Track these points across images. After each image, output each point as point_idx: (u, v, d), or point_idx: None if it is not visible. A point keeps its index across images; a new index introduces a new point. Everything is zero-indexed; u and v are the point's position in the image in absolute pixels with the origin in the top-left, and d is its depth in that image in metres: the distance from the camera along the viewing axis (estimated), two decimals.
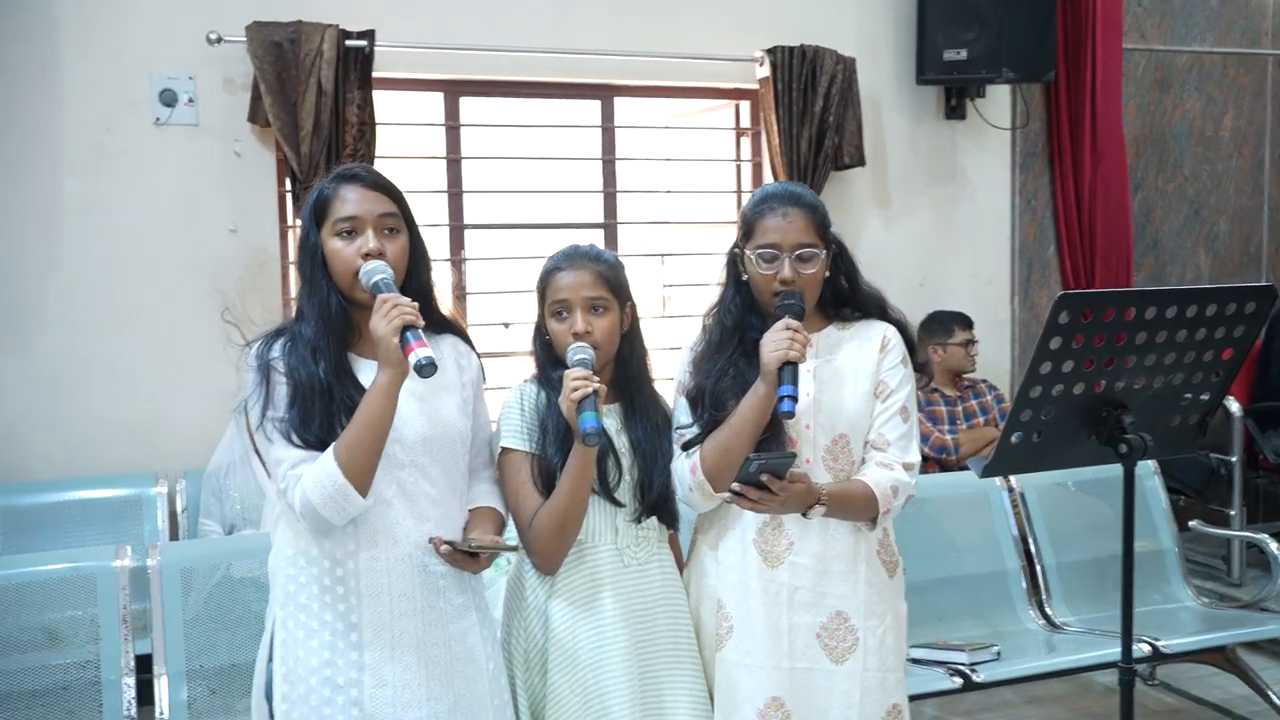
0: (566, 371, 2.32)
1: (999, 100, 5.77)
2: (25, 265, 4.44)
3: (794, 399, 2.27)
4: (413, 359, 2.12)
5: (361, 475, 2.17)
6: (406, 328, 2.14)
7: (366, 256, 2.24)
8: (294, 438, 2.20)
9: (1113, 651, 3.47)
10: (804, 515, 2.36)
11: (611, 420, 2.46)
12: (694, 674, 2.46)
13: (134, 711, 3.28)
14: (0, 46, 4.38)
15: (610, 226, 5.31)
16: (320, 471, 2.16)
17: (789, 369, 2.29)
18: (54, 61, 4.44)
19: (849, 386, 2.45)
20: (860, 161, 5.33)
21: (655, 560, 2.48)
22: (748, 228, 2.47)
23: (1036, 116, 5.86)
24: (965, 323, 5.15)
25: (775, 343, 2.30)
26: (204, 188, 4.63)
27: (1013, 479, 4.25)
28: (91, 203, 4.50)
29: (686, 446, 2.44)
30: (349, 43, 4.56)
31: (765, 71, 5.18)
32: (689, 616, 2.50)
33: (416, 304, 2.19)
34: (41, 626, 3.31)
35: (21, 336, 4.43)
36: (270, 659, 2.32)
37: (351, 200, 2.28)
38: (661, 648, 2.44)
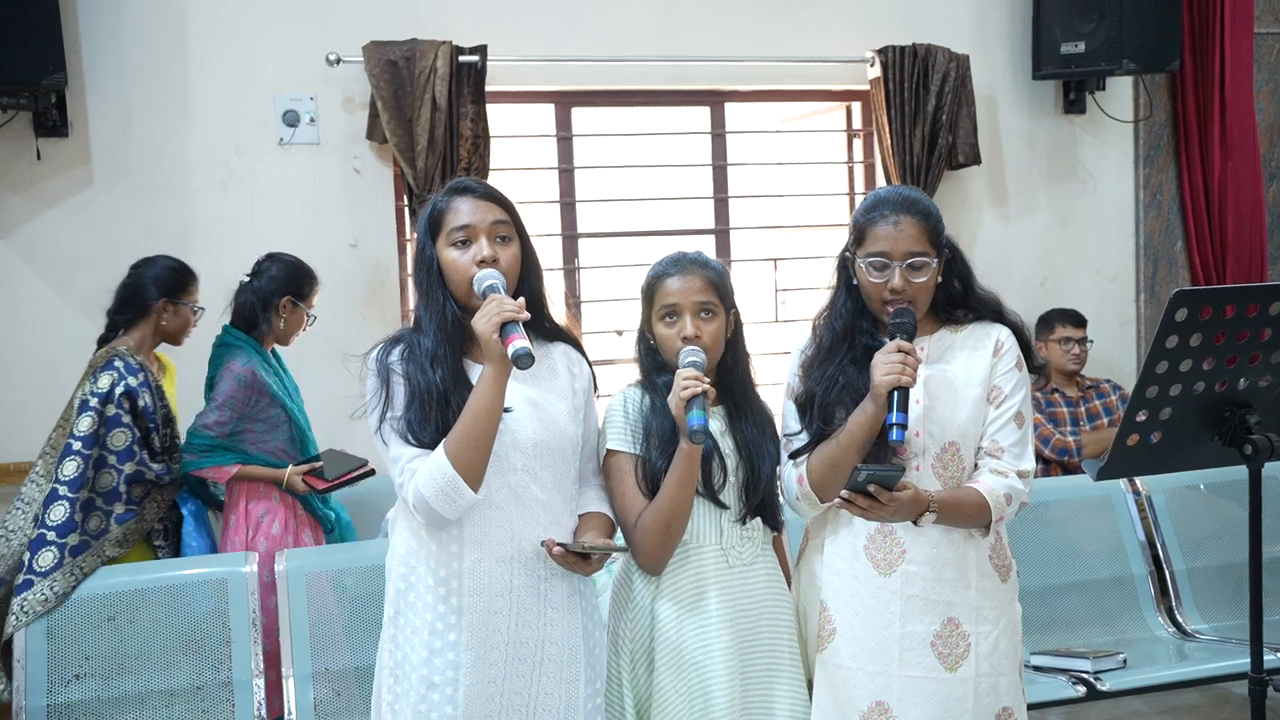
0: (678, 371, 2.35)
1: (1120, 93, 5.61)
2: None
3: (904, 427, 2.26)
4: (510, 350, 2.16)
5: (470, 468, 2.21)
6: (505, 323, 2.18)
7: (481, 264, 2.29)
8: (410, 437, 2.27)
9: (1249, 661, 3.34)
10: (914, 523, 2.33)
11: (716, 422, 2.47)
12: (794, 675, 2.47)
13: (264, 711, 3.39)
14: (137, 80, 4.59)
15: (722, 232, 5.31)
16: (432, 465, 2.22)
17: (900, 394, 2.27)
18: (185, 90, 4.63)
19: (961, 394, 2.41)
20: (975, 160, 5.24)
21: (761, 561, 2.49)
22: (859, 233, 2.44)
23: (1161, 108, 5.68)
24: (1069, 319, 5.02)
25: (887, 366, 2.28)
26: (325, 204, 4.78)
27: (1139, 481, 4.13)
28: (220, 222, 4.68)
29: (795, 455, 2.44)
30: (462, 58, 4.66)
31: (876, 72, 5.13)
32: (792, 618, 2.51)
33: (521, 301, 2.24)
34: (178, 629, 3.45)
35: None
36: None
37: (464, 211, 2.34)
38: (763, 648, 2.45)
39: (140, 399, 3.57)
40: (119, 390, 3.53)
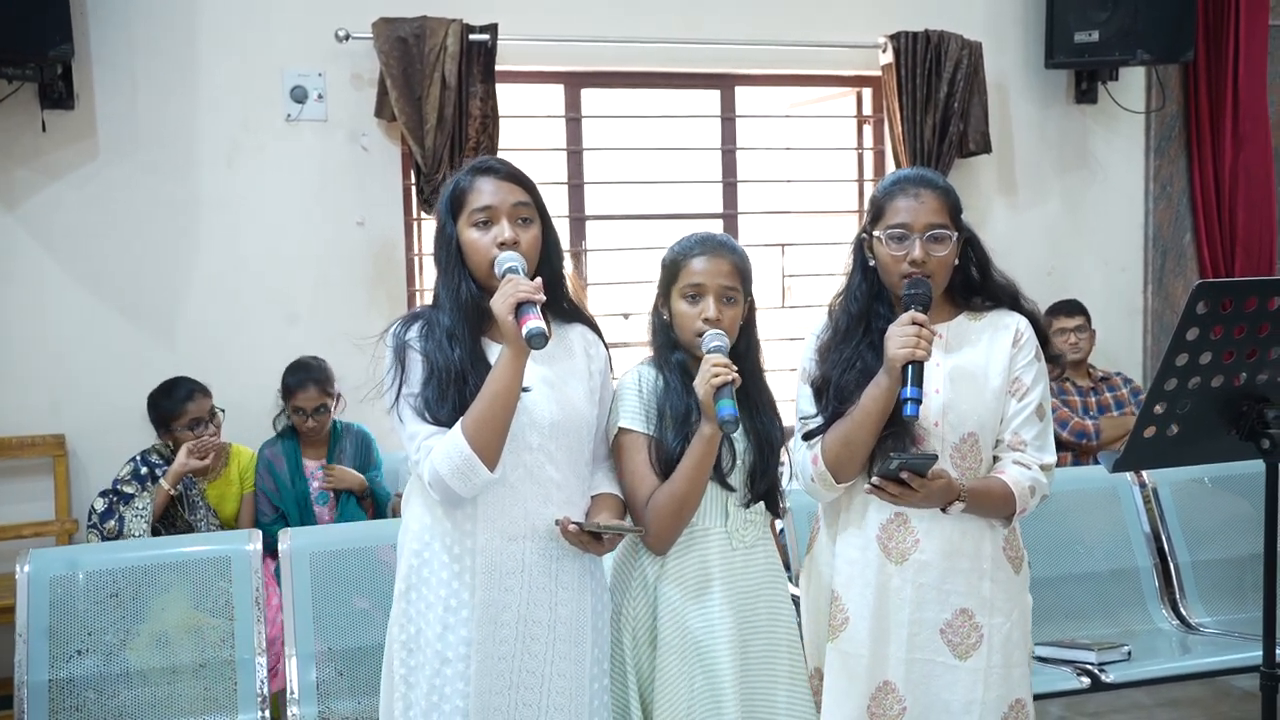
0: (707, 356, 2.33)
1: (1132, 83, 5.58)
2: (168, 260, 4.61)
3: (917, 402, 2.25)
4: (524, 329, 2.16)
5: (487, 448, 2.22)
6: (521, 303, 2.18)
7: (502, 246, 2.29)
8: (427, 415, 2.27)
9: (1252, 655, 3.32)
10: (943, 511, 2.34)
11: None
12: (792, 655, 2.47)
13: (266, 690, 3.39)
14: (144, 53, 4.54)
15: (730, 216, 5.29)
16: (449, 444, 2.22)
17: (914, 368, 2.25)
18: (193, 64, 4.59)
19: (981, 385, 2.41)
20: (986, 149, 5.21)
21: (761, 544, 2.49)
22: (877, 210, 2.44)
23: (1173, 99, 5.65)
24: (1063, 310, 4.98)
25: (902, 338, 2.26)
26: (332, 182, 4.74)
27: (1145, 474, 4.12)
28: (227, 198, 4.65)
29: (808, 437, 2.43)
30: (472, 37, 4.62)
31: (888, 58, 5.09)
32: (789, 602, 2.51)
33: (539, 282, 2.23)
34: (181, 606, 3.44)
35: (165, 326, 4.60)
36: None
37: (487, 191, 2.34)
38: (761, 628, 2.45)
39: (126, 487, 4.10)
40: (123, 474, 4.14)
